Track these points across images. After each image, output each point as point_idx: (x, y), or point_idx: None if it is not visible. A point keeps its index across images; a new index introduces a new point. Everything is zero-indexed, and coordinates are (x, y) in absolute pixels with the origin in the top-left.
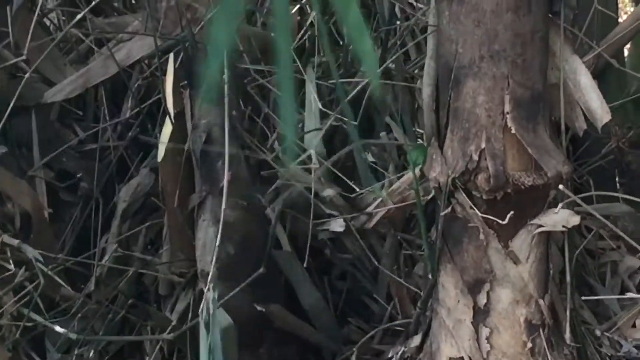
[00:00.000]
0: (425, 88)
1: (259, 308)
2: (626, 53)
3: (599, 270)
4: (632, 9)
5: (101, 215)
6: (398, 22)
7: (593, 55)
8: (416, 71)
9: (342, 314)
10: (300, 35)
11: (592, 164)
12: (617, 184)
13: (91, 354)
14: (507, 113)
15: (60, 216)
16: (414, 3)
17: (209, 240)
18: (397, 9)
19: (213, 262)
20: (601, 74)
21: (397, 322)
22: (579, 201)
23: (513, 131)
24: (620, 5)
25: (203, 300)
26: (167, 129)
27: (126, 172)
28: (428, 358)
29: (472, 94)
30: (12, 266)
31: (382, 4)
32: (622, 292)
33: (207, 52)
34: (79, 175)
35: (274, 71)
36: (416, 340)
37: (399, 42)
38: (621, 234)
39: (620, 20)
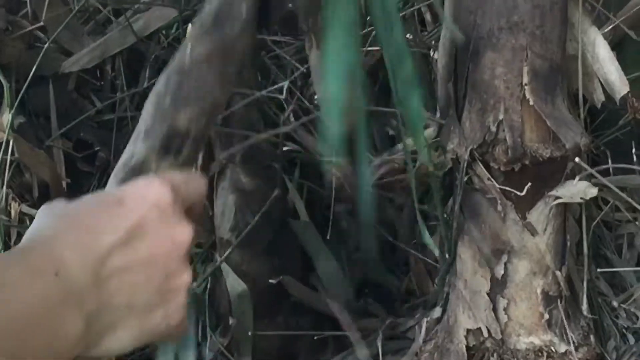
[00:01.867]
0: (441, 59)
1: (271, 281)
2: None
3: (615, 243)
4: None
5: None
6: None
7: (611, 27)
8: (433, 42)
9: (360, 286)
10: None
11: (609, 135)
12: (634, 156)
13: None
14: (526, 85)
15: (78, 186)
16: None
17: (227, 208)
18: None
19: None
20: (619, 46)
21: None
22: (596, 174)
23: (531, 103)
24: None
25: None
26: None
27: None
28: (446, 330)
29: (490, 65)
30: None
31: None
32: (639, 264)
33: None
34: (97, 149)
35: (291, 42)
36: (437, 312)
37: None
38: (637, 205)
39: None
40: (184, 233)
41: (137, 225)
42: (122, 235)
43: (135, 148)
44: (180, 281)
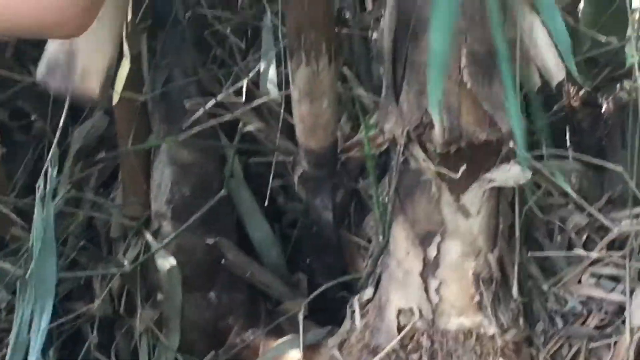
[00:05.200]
0: (387, 40)
1: (208, 241)
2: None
3: (547, 227)
4: None
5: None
6: None
7: None
8: (372, 22)
9: (293, 263)
10: None
11: (544, 120)
12: (568, 141)
13: None
14: (464, 68)
15: (13, 156)
16: None
17: (164, 181)
18: None
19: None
20: None
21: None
22: (532, 160)
23: (469, 86)
24: None
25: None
26: (124, 71)
27: (81, 114)
28: (377, 309)
29: (429, 47)
30: None
31: None
32: (569, 249)
33: None
34: (35, 118)
35: (230, 17)
36: (368, 293)
37: None
38: (569, 191)
39: None
40: None
41: None
42: None
43: None
44: None
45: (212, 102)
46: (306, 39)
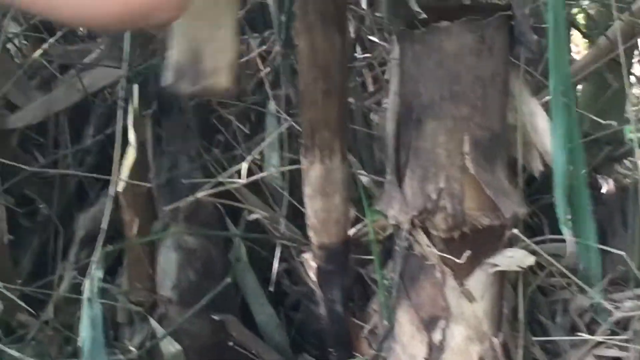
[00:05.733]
0: (389, 124)
1: (215, 317)
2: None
3: (550, 308)
4: (586, 51)
5: (60, 242)
6: (357, 55)
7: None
8: (373, 104)
9: (296, 344)
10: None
11: (545, 200)
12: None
13: None
14: (466, 154)
15: (19, 242)
16: (373, 38)
17: (169, 266)
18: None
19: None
20: None
21: None
22: (533, 245)
23: (472, 172)
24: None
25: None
26: (130, 159)
27: (86, 200)
28: None
29: (432, 133)
30: None
31: None
32: (572, 330)
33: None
34: (41, 206)
35: (234, 103)
36: None
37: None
38: (571, 275)
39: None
40: None
41: None
42: None
43: None
44: None
45: (213, 182)
46: (320, 138)
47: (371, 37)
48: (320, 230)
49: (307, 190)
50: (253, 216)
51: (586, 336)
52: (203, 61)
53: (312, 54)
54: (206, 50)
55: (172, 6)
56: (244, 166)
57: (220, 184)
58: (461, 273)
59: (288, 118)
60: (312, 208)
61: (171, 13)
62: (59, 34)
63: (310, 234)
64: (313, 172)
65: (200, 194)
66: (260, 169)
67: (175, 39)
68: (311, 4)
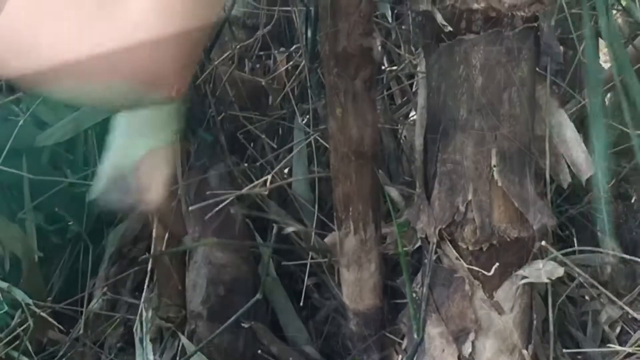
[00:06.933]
0: (418, 138)
1: (244, 325)
2: None
3: (580, 319)
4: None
5: (90, 258)
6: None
7: (579, 106)
8: (400, 118)
9: (326, 358)
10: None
11: (575, 210)
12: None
13: None
14: (494, 166)
15: (49, 259)
16: (399, 51)
17: (199, 281)
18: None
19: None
20: (583, 124)
21: None
22: (561, 257)
23: (499, 184)
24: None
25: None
26: None
27: (115, 216)
28: None
29: (460, 146)
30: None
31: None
32: (603, 341)
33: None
34: (71, 223)
35: (261, 118)
36: None
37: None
38: (600, 287)
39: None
40: None
41: None
42: None
43: None
44: None
45: (237, 193)
46: (354, 210)
47: (398, 50)
48: (356, 298)
49: (343, 261)
50: (288, 229)
51: (617, 347)
52: (136, 177)
53: (343, 132)
54: (140, 166)
55: (167, 86)
56: (269, 177)
57: (249, 197)
58: (490, 285)
59: (314, 132)
60: (347, 278)
61: (168, 92)
62: None
63: (345, 300)
64: (348, 243)
65: (226, 204)
66: (289, 185)
67: (110, 151)
68: (342, 84)
